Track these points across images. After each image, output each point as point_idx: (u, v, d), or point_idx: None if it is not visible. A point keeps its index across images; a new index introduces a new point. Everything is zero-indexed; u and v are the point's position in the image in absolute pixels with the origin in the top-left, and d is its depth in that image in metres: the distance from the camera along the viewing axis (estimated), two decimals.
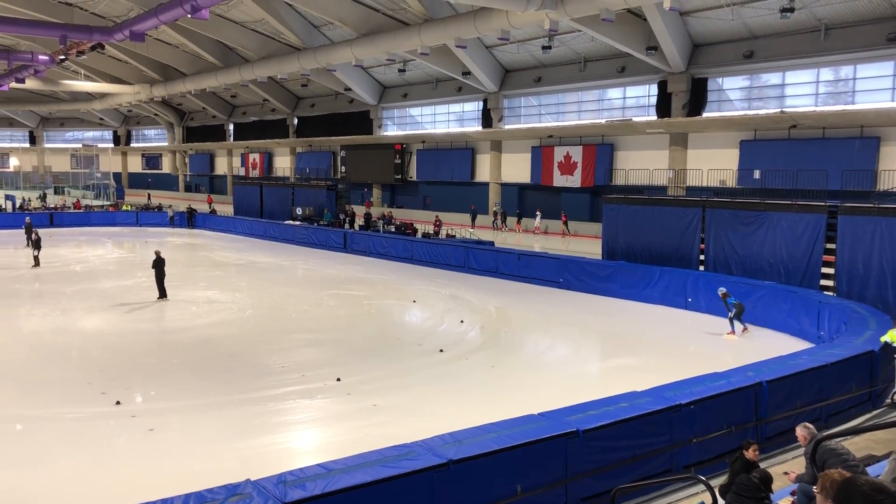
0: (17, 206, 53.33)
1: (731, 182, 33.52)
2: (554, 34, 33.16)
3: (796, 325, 17.92)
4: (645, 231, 24.28)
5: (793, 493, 7.21)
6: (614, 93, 39.69)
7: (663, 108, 35.64)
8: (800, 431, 7.78)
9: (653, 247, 23.93)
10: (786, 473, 7.70)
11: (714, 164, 34.17)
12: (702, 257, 22.95)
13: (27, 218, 38.74)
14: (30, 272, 27.61)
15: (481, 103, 45.55)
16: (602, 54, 37.47)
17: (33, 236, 29.72)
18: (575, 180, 40.76)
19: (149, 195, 69.29)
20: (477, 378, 14.49)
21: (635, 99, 38.59)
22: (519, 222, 43.75)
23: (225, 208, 54.88)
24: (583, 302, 22.55)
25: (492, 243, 30.57)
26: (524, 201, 45.24)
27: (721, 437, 9.69)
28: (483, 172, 47.49)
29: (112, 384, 13.45)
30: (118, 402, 12.41)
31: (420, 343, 17.20)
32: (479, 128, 46.01)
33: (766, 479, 7.06)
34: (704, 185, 33.98)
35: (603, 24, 29.04)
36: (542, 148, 42.64)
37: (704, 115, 34.39)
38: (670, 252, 23.42)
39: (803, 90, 31.80)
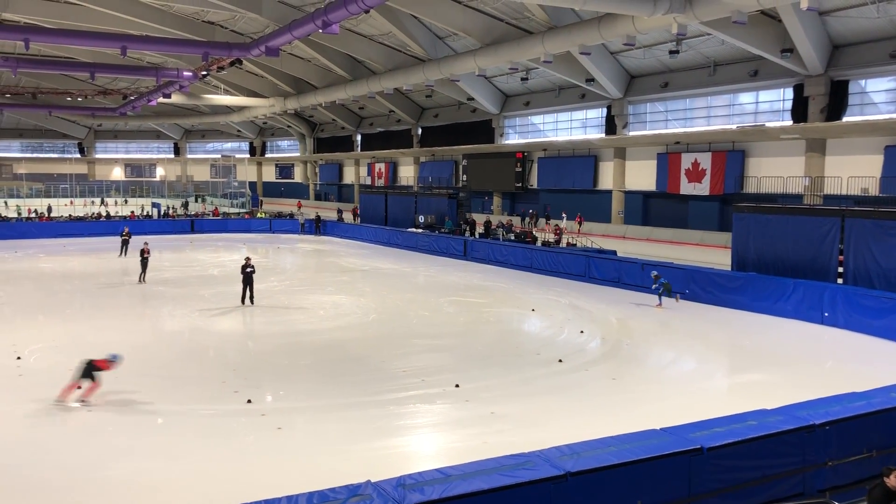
0: (162, 213, 57.07)
1: (874, 190, 31.46)
2: (682, 38, 32.31)
3: None
4: (778, 241, 23.15)
5: None
6: (746, 97, 38.14)
7: (799, 112, 33.93)
8: None
9: (786, 258, 22.78)
10: None
11: (855, 171, 32.18)
12: (840, 269, 21.66)
13: (125, 227, 34.28)
14: (173, 277, 29.32)
15: (605, 110, 44.86)
16: (733, 57, 36.11)
17: (145, 253, 26.74)
18: (703, 188, 39.44)
19: (261, 202, 72.32)
20: (597, 390, 14.28)
21: (769, 103, 36.91)
22: (548, 223, 45.10)
23: (352, 216, 56.66)
24: (710, 314, 21.76)
25: (614, 252, 29.99)
26: (649, 209, 44.19)
27: (860, 461, 9.13)
28: (606, 180, 46.71)
29: (244, 383, 14.17)
30: (249, 401, 13.04)
31: (538, 352, 17.10)
32: (603, 135, 45.32)
33: None
34: (844, 193, 32.08)
35: (734, 27, 27.96)
36: (669, 155, 41.50)
37: (845, 119, 32.47)
38: (806, 263, 22.22)
39: None
